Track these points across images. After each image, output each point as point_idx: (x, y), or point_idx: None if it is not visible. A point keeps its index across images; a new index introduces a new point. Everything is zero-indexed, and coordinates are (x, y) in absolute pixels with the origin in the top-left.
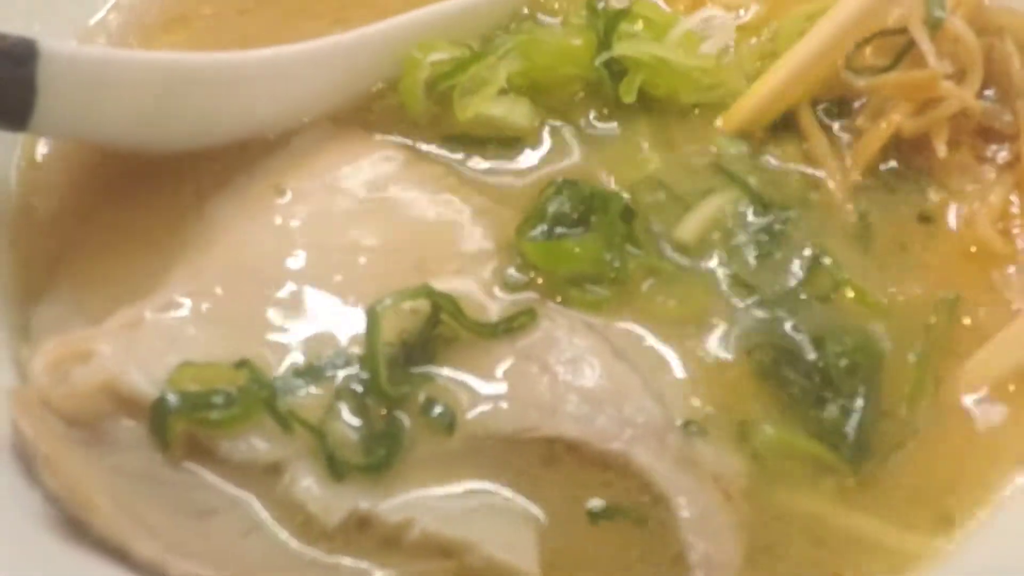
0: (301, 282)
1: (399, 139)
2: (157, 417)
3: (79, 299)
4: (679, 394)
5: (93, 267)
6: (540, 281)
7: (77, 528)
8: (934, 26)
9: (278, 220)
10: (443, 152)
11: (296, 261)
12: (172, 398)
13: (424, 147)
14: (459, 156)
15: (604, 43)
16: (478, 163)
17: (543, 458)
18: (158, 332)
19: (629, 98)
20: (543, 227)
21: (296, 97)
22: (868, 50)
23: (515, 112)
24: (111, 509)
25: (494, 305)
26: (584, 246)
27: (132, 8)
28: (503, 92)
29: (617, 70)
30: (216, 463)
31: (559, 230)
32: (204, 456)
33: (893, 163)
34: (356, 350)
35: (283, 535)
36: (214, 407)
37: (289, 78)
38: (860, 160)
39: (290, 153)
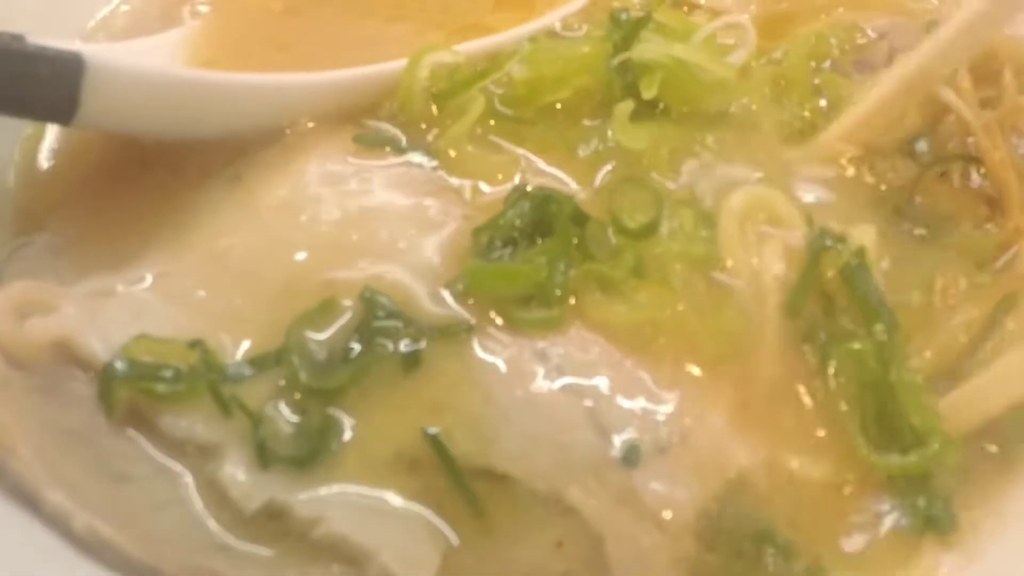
0: (268, 274)
1: (392, 136)
2: (105, 380)
3: (54, 259)
4: (626, 413)
5: (74, 232)
6: (487, 301)
7: None
8: None
9: (255, 214)
10: (434, 156)
11: (266, 255)
12: (121, 364)
13: (415, 148)
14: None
15: (622, 48)
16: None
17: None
18: (125, 304)
19: (649, 93)
20: (494, 241)
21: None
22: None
23: (483, 158)
24: (30, 455)
25: (437, 312)
26: (528, 266)
27: None
28: (492, 119)
29: (631, 80)
30: (155, 436)
31: (504, 250)
32: (144, 427)
33: None
34: (310, 342)
35: (203, 516)
36: (161, 380)
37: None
38: None
39: (282, 149)
